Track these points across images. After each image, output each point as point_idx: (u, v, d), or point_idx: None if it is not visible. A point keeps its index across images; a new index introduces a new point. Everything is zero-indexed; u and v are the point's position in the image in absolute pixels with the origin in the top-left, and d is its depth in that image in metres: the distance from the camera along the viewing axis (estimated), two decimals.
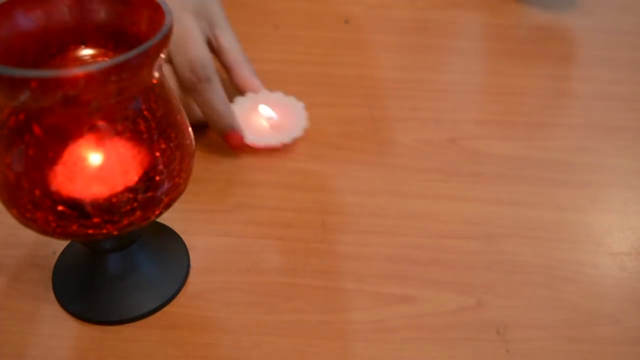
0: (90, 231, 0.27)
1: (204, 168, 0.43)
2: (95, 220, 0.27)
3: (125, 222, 0.27)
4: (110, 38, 0.29)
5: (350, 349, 0.32)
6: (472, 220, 0.40)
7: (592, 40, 0.62)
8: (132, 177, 0.27)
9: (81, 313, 0.33)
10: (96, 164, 0.26)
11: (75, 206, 0.26)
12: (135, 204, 0.27)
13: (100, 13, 0.29)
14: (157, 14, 0.26)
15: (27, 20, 0.28)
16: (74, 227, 0.27)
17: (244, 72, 0.46)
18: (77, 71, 0.22)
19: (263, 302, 0.34)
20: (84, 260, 0.35)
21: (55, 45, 0.29)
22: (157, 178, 0.28)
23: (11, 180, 0.26)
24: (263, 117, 0.45)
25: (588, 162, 0.46)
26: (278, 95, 0.47)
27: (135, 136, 0.26)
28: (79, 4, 0.29)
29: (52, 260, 0.36)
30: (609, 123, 0.50)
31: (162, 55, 0.26)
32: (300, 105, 0.46)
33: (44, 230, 0.27)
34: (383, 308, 0.34)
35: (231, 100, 0.44)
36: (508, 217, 0.40)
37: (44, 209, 0.26)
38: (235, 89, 0.47)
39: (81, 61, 0.30)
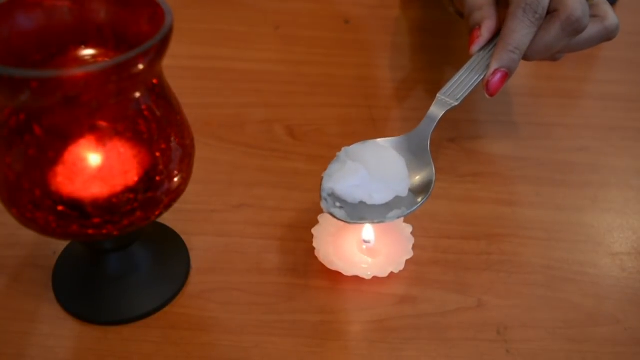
0: (91, 231, 0.27)
1: (204, 168, 0.43)
2: (96, 220, 0.27)
3: (125, 222, 0.27)
4: (110, 38, 0.29)
5: (350, 349, 0.32)
6: (472, 220, 0.40)
7: None
8: (132, 177, 0.27)
9: (81, 313, 0.33)
10: (96, 164, 0.26)
11: (75, 206, 0.26)
12: (136, 204, 0.27)
13: (100, 13, 0.29)
14: (157, 14, 0.26)
15: (27, 20, 0.28)
16: (74, 227, 0.27)
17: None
18: (77, 71, 0.22)
19: (263, 302, 0.34)
20: (84, 260, 0.35)
21: (55, 45, 0.29)
22: (157, 178, 0.28)
23: (11, 180, 0.26)
24: (361, 238, 0.37)
25: (588, 162, 0.46)
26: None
27: (136, 136, 0.26)
28: (79, 4, 0.28)
29: (52, 260, 0.36)
30: (609, 123, 0.50)
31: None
32: (407, 230, 0.37)
33: (44, 230, 0.27)
34: (383, 308, 0.34)
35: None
36: (508, 217, 0.40)
37: (44, 209, 0.26)
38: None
39: (81, 61, 0.30)
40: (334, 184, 0.34)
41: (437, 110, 0.39)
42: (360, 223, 0.34)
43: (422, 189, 0.36)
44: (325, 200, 0.34)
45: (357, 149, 0.36)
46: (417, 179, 0.36)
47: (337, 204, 0.34)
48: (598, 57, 0.59)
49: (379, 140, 0.38)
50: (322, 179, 0.35)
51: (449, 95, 0.39)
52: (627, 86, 0.55)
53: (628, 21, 0.65)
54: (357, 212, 0.34)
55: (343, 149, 0.37)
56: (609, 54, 0.59)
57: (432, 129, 0.38)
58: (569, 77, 0.56)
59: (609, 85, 0.55)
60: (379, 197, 0.34)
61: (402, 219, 0.38)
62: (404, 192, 0.35)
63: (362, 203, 0.34)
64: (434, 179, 0.36)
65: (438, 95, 0.39)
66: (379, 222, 0.34)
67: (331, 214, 0.33)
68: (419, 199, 0.35)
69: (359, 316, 0.34)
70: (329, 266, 0.35)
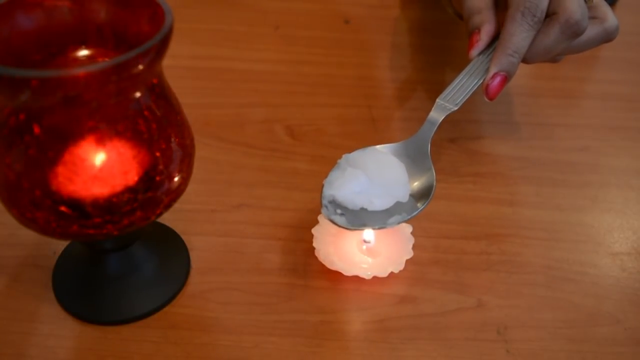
0: (91, 231, 0.27)
1: (204, 168, 0.43)
2: (96, 220, 0.27)
3: (125, 222, 0.27)
4: (110, 38, 0.29)
5: (350, 349, 0.32)
6: (472, 220, 0.40)
7: None
8: (133, 177, 0.27)
9: (81, 313, 0.33)
10: (96, 164, 0.26)
11: (75, 206, 0.26)
12: (136, 204, 0.27)
13: (100, 13, 0.29)
14: (157, 14, 0.26)
15: (27, 20, 0.28)
16: (75, 227, 0.27)
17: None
18: (78, 71, 0.22)
19: (263, 302, 0.34)
20: (84, 260, 0.35)
21: (55, 45, 0.29)
22: (157, 178, 0.28)
23: (11, 180, 0.26)
24: (361, 239, 0.37)
25: (588, 162, 0.46)
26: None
27: (136, 136, 0.26)
28: (79, 4, 0.28)
29: (52, 260, 0.36)
30: (609, 123, 0.50)
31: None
32: (407, 230, 0.37)
33: (44, 231, 0.27)
34: (383, 308, 0.34)
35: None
36: (508, 217, 0.40)
37: (44, 209, 0.26)
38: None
39: (81, 61, 0.30)
40: (334, 191, 0.34)
41: (436, 115, 0.39)
42: (361, 229, 0.34)
43: (423, 194, 0.36)
44: (326, 207, 0.34)
45: (357, 155, 0.37)
46: (418, 184, 0.36)
47: (338, 211, 0.34)
48: (598, 57, 0.59)
49: (378, 146, 0.38)
50: (322, 186, 0.35)
51: (448, 100, 0.39)
52: (627, 86, 0.55)
53: (628, 21, 0.65)
54: (358, 219, 0.34)
55: (343, 156, 0.37)
56: (609, 54, 0.59)
57: (432, 133, 0.38)
58: (569, 77, 0.56)
59: (609, 85, 0.55)
60: (380, 203, 0.34)
61: None
62: (404, 197, 0.35)
63: (362, 209, 0.34)
64: (434, 184, 0.36)
65: (438, 100, 0.39)
66: (379, 228, 0.34)
67: (332, 221, 0.33)
68: (420, 204, 0.35)
69: (359, 316, 0.34)
70: (329, 266, 0.35)
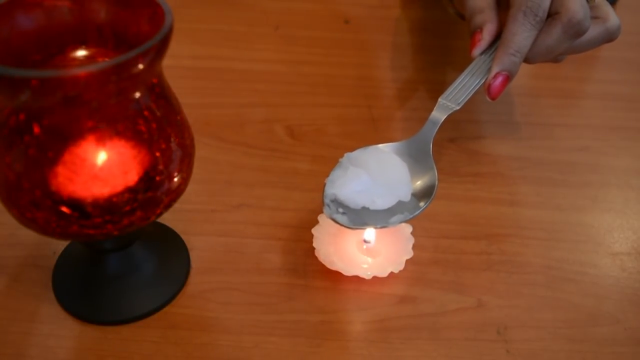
0: (91, 231, 0.27)
1: (204, 168, 0.43)
2: (96, 220, 0.27)
3: (125, 222, 0.27)
4: (110, 38, 0.29)
5: (350, 349, 0.32)
6: (472, 220, 0.40)
7: None
8: (133, 177, 0.27)
9: (81, 313, 0.33)
10: (96, 164, 0.26)
11: (75, 206, 0.26)
12: (136, 204, 0.27)
13: (100, 13, 0.29)
14: (157, 14, 0.26)
15: (27, 20, 0.28)
16: (74, 227, 0.27)
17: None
18: (78, 71, 0.22)
19: (263, 302, 0.34)
20: (84, 260, 0.35)
21: (55, 45, 0.29)
22: (157, 178, 0.28)
23: (11, 180, 0.26)
24: (362, 238, 0.36)
25: (588, 162, 0.46)
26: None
27: (136, 136, 0.26)
28: (79, 4, 0.29)
29: (52, 260, 0.36)
30: (609, 123, 0.50)
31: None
32: (407, 230, 0.37)
33: (44, 231, 0.27)
34: (383, 308, 0.34)
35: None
36: (508, 217, 0.40)
37: (44, 209, 0.26)
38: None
39: (81, 61, 0.30)
40: (336, 189, 0.34)
41: (438, 115, 0.39)
42: (363, 228, 0.34)
43: (425, 193, 0.36)
44: (328, 206, 0.34)
45: (359, 154, 0.37)
46: (420, 183, 0.36)
47: (340, 210, 0.34)
48: (598, 57, 0.59)
49: (380, 145, 0.38)
50: (324, 185, 0.35)
51: (450, 99, 0.39)
52: (627, 86, 0.55)
53: (628, 21, 0.65)
54: (360, 218, 0.34)
55: (345, 155, 0.37)
56: (609, 54, 0.59)
57: (434, 133, 0.38)
58: (569, 77, 0.56)
59: (609, 85, 0.55)
60: (382, 202, 0.34)
61: None
62: (406, 196, 0.35)
63: (364, 208, 0.34)
64: (436, 183, 0.36)
65: (440, 99, 0.39)
66: (381, 227, 0.34)
67: (334, 220, 0.33)
68: (422, 204, 0.35)
69: (359, 316, 0.34)
70: (329, 266, 0.35)
